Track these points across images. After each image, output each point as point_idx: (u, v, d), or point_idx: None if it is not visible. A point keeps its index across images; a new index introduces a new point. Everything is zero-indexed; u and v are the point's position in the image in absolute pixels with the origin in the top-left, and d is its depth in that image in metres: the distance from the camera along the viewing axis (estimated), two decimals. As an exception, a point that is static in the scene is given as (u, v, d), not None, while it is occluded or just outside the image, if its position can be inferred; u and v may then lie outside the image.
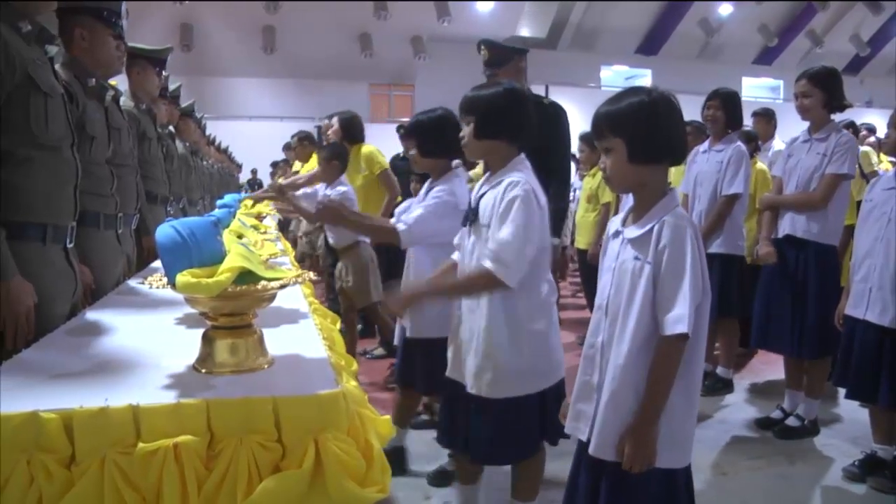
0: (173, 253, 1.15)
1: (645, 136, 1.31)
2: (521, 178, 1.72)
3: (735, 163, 3.43)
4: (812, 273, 2.91)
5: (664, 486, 1.38)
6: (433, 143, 2.26)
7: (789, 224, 2.97)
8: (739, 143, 3.54)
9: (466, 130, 1.81)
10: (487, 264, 1.65)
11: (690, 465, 1.42)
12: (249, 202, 3.78)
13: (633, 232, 1.37)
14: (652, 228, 1.33)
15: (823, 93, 2.89)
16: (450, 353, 1.92)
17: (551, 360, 1.84)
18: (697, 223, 3.58)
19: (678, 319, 1.27)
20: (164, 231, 1.17)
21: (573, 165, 6.79)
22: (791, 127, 3.47)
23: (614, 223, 1.47)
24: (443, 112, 2.32)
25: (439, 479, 2.50)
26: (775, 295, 3.04)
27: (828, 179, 2.86)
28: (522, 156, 1.83)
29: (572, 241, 5.32)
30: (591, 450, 1.40)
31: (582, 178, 5.37)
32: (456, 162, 2.49)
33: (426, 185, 2.33)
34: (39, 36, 1.72)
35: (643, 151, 1.32)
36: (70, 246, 1.82)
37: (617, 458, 1.35)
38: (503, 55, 3.03)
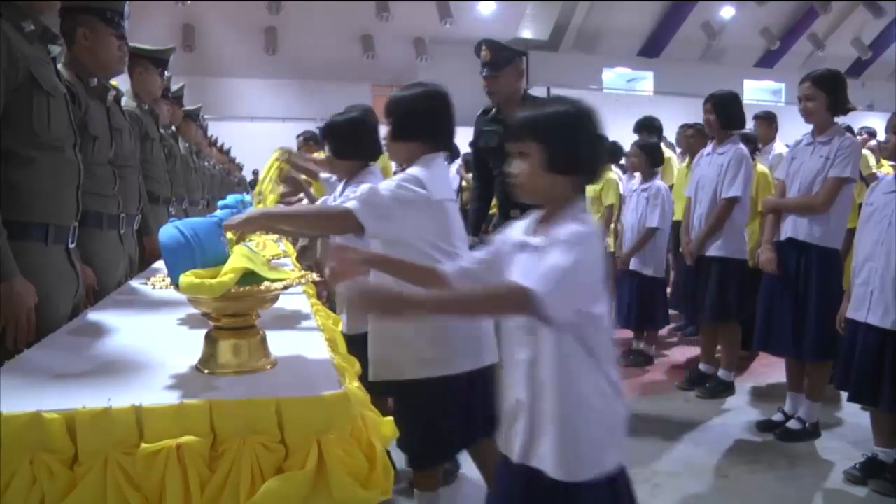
0: (176, 253, 1.15)
1: (564, 145, 1.27)
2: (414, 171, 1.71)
3: (735, 166, 3.44)
4: (814, 276, 2.91)
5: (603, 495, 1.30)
6: (347, 144, 2.25)
7: (791, 227, 2.97)
8: (741, 145, 3.54)
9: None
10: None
11: (626, 471, 1.34)
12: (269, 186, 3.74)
13: (540, 243, 1.27)
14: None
15: (828, 96, 2.89)
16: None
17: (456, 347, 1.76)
18: (698, 226, 3.58)
19: (536, 280, 1.16)
20: (168, 231, 1.17)
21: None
22: (792, 130, 3.47)
23: (516, 231, 1.36)
24: (357, 114, 2.31)
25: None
26: (777, 298, 3.04)
27: (830, 183, 2.86)
28: (434, 155, 1.79)
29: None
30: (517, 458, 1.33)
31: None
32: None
33: (340, 186, 2.32)
34: (43, 35, 1.72)
35: (560, 161, 1.27)
36: (72, 246, 1.82)
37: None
38: (505, 56, 3.03)
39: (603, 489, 1.28)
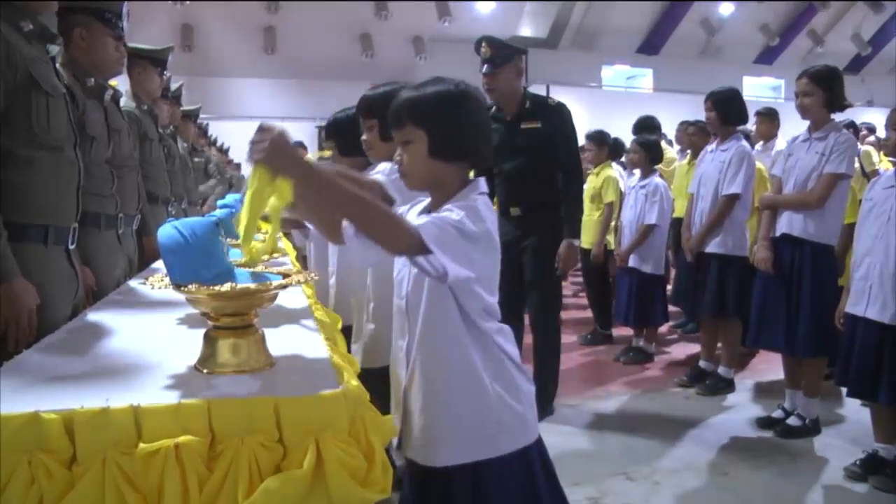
0: (175, 253, 1.15)
1: (449, 128, 1.21)
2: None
3: (736, 163, 3.44)
4: (807, 272, 2.93)
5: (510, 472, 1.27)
6: (352, 141, 2.20)
7: (786, 223, 2.98)
8: (744, 142, 3.55)
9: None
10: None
11: (541, 440, 1.32)
12: None
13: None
14: None
15: (824, 92, 2.89)
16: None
17: None
18: (699, 223, 3.59)
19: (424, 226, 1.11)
20: (166, 231, 1.16)
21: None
22: (792, 126, 3.47)
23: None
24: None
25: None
26: (771, 293, 3.05)
27: (825, 179, 2.86)
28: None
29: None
30: (411, 455, 1.32)
31: (585, 177, 5.37)
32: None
33: None
34: (41, 35, 1.72)
35: (445, 146, 1.21)
36: (72, 247, 1.82)
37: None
38: (505, 53, 3.02)
39: (468, 474, 1.25)
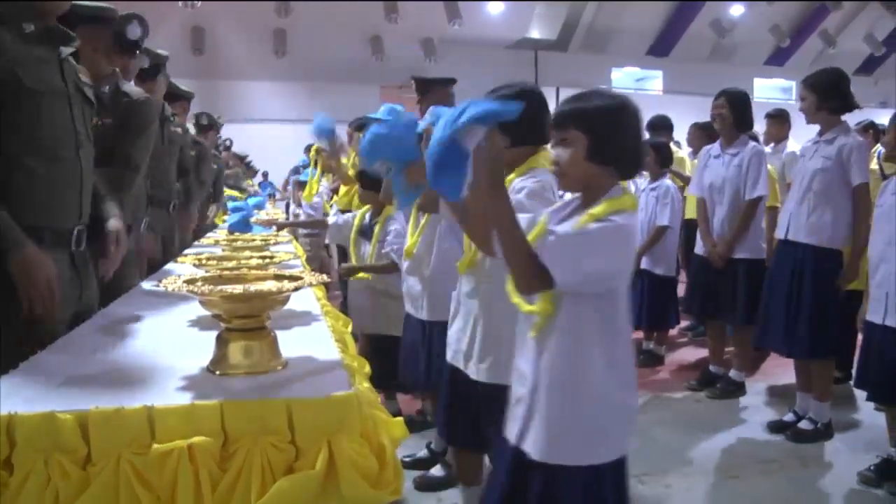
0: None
1: (607, 136, 1.30)
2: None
3: (755, 165, 3.40)
4: (808, 276, 2.91)
5: (587, 483, 1.30)
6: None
7: (793, 227, 3.00)
8: (755, 143, 3.52)
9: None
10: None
11: (625, 463, 1.34)
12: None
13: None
14: None
15: (815, 95, 2.89)
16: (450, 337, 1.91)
17: None
18: (720, 229, 3.52)
19: (556, 263, 1.19)
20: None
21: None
22: (802, 128, 3.44)
23: (550, 216, 1.36)
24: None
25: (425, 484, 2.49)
26: (775, 295, 3.05)
27: (860, 191, 2.88)
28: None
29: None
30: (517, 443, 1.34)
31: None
32: None
33: None
34: (48, 36, 1.68)
35: (604, 151, 1.30)
36: (79, 249, 1.76)
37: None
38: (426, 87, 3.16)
39: (589, 476, 1.28)
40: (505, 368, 1.65)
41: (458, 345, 1.87)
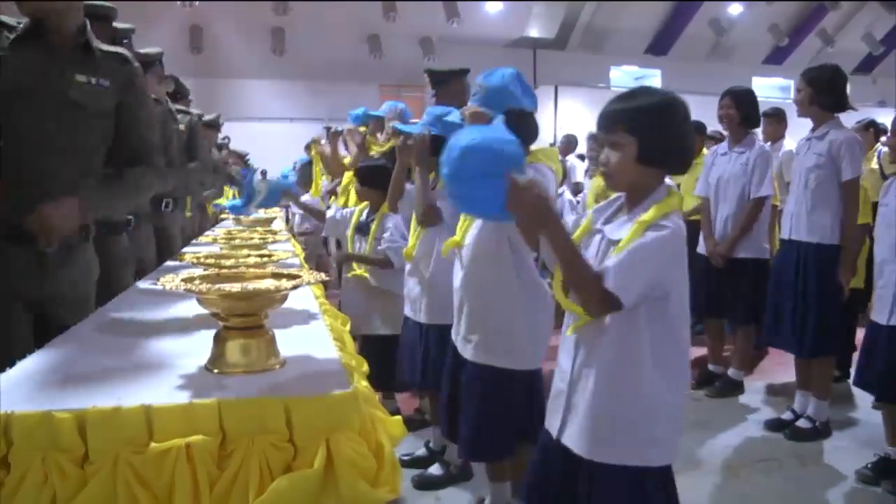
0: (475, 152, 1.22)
1: (658, 139, 1.27)
2: None
3: (761, 164, 3.40)
4: (812, 274, 2.91)
5: (631, 483, 1.30)
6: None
7: (794, 225, 3.00)
8: (762, 143, 3.52)
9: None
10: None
11: (671, 469, 1.34)
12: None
13: (615, 233, 1.30)
14: None
15: (811, 88, 2.90)
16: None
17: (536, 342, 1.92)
18: (723, 228, 3.51)
19: (621, 287, 1.19)
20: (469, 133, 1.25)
21: (581, 163, 6.78)
22: (801, 127, 3.44)
23: (596, 216, 1.38)
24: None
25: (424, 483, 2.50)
26: (781, 294, 3.05)
27: (849, 188, 2.87)
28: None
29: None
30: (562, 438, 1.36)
31: (591, 176, 5.36)
32: None
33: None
34: (34, 34, 1.62)
35: (653, 153, 1.28)
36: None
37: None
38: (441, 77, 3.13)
39: (634, 478, 1.28)
40: (493, 348, 1.84)
41: (457, 326, 2.00)
